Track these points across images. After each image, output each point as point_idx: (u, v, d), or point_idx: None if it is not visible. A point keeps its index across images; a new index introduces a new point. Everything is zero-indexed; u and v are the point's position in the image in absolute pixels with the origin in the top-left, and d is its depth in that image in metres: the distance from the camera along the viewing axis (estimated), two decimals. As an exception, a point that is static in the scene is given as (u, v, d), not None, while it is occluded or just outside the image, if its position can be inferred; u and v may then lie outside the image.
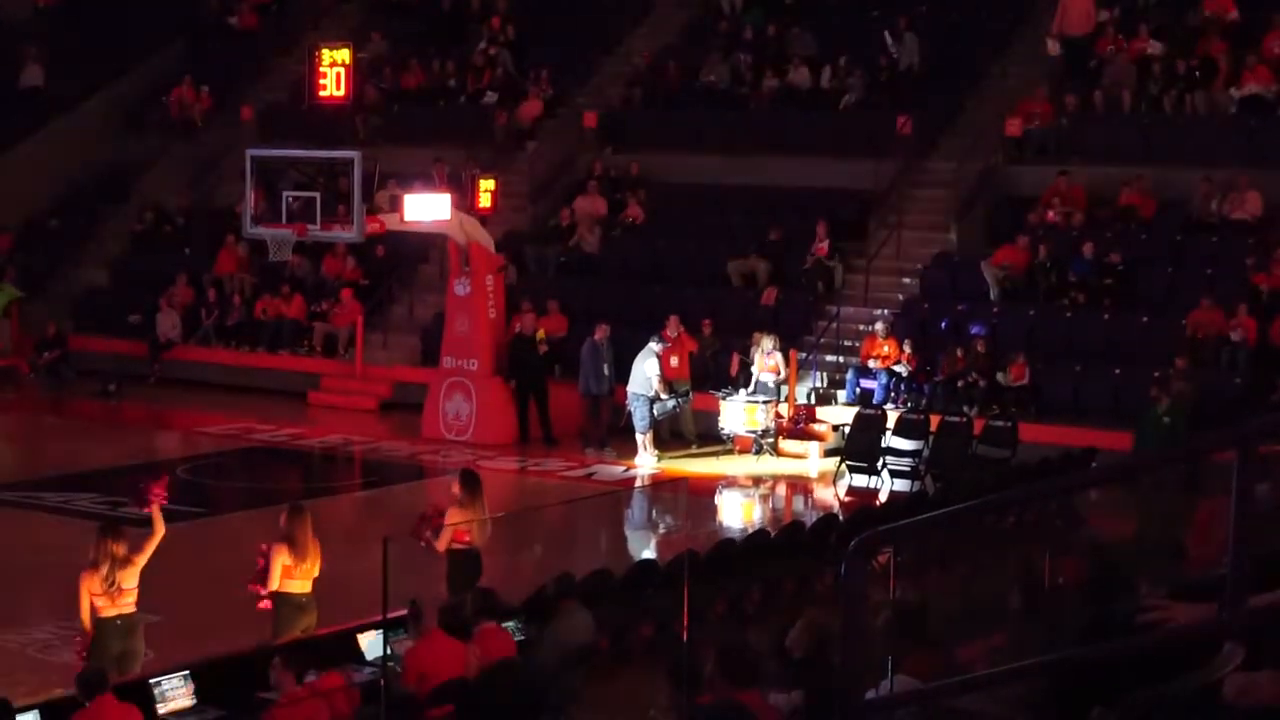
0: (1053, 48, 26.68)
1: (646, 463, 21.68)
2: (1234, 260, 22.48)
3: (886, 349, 22.57)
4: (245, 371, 26.99)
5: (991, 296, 23.39)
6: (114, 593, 11.52)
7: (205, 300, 28.10)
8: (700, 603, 12.59)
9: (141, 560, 11.72)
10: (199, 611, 14.46)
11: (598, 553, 17.73)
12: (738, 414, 22.15)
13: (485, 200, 23.68)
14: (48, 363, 27.44)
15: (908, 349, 22.43)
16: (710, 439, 22.50)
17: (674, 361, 22.36)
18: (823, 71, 27.96)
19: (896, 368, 22.35)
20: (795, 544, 15.88)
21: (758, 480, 21.41)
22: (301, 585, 12.38)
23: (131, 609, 11.64)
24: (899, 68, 27.33)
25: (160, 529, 11.97)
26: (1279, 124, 24.24)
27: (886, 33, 27.41)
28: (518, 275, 25.65)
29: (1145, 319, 22.22)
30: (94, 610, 11.55)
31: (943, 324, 23.12)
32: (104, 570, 11.48)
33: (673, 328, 22.71)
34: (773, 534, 16.47)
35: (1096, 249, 23.04)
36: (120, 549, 11.58)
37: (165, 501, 12.26)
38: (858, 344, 23.22)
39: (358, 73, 24.38)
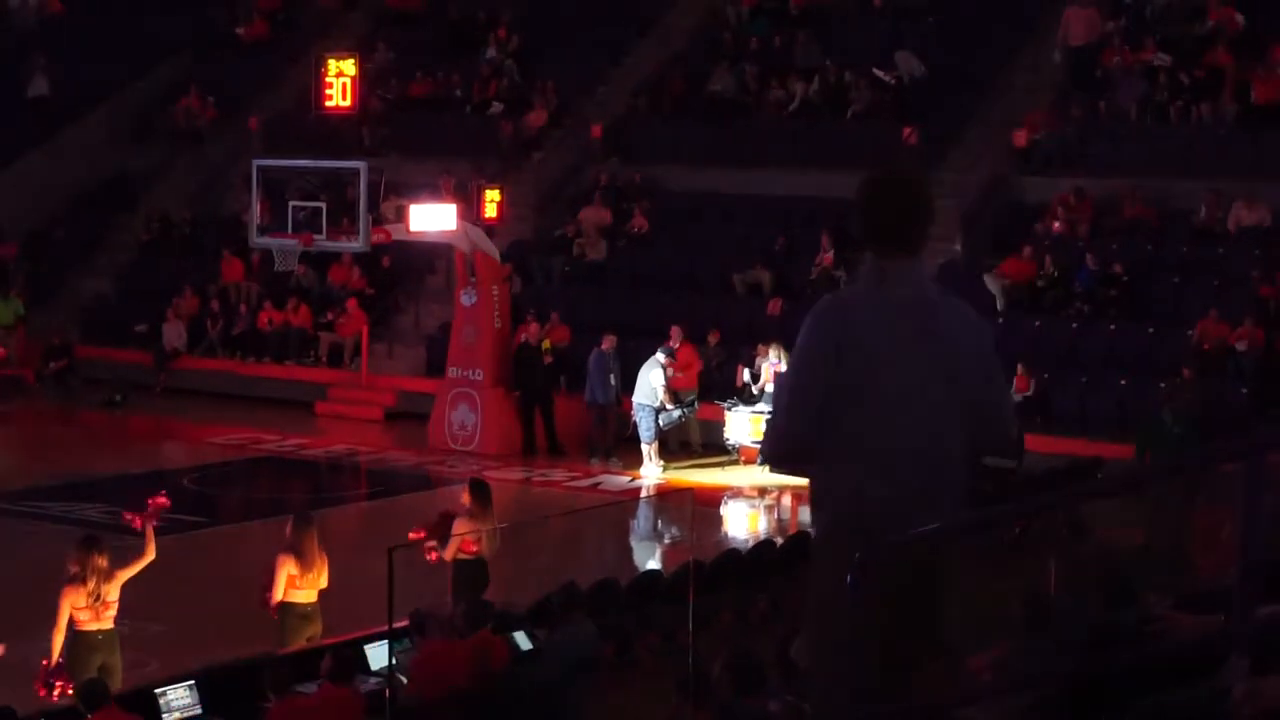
0: (1057, 58, 26.71)
1: (652, 473, 21.68)
2: (1240, 271, 22.46)
3: (892, 359, 22.53)
4: (251, 381, 27.00)
5: (998, 307, 23.38)
6: (99, 606, 11.49)
7: (211, 310, 28.11)
8: (705, 613, 12.58)
9: (124, 576, 11.68)
10: (204, 621, 14.45)
11: (603, 563, 17.70)
12: (743, 424, 22.13)
13: (491, 210, 23.71)
14: (54, 372, 27.45)
15: (913, 359, 22.39)
16: (716, 449, 22.49)
17: (670, 372, 22.38)
18: (828, 82, 27.97)
19: (902, 378, 22.30)
20: (800, 555, 15.85)
21: (763, 491, 21.38)
22: (307, 595, 12.39)
23: (111, 624, 11.62)
24: (900, 85, 27.29)
25: (151, 553, 11.92)
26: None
27: (874, 70, 27.40)
28: (523, 285, 25.67)
29: (1151, 329, 22.20)
30: (75, 624, 11.50)
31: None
32: (90, 584, 11.45)
33: (675, 338, 22.71)
34: (778, 544, 16.46)
35: (1101, 260, 23.04)
36: (103, 561, 11.54)
37: (160, 522, 12.18)
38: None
39: (364, 83, 24.42)
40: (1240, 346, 21.05)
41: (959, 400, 4.93)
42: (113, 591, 11.57)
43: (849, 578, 4.83)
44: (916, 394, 4.90)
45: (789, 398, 5.05)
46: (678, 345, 22.71)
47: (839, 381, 4.88)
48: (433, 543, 13.45)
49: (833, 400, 4.90)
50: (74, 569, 11.54)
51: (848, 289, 5.19)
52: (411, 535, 13.56)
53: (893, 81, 27.27)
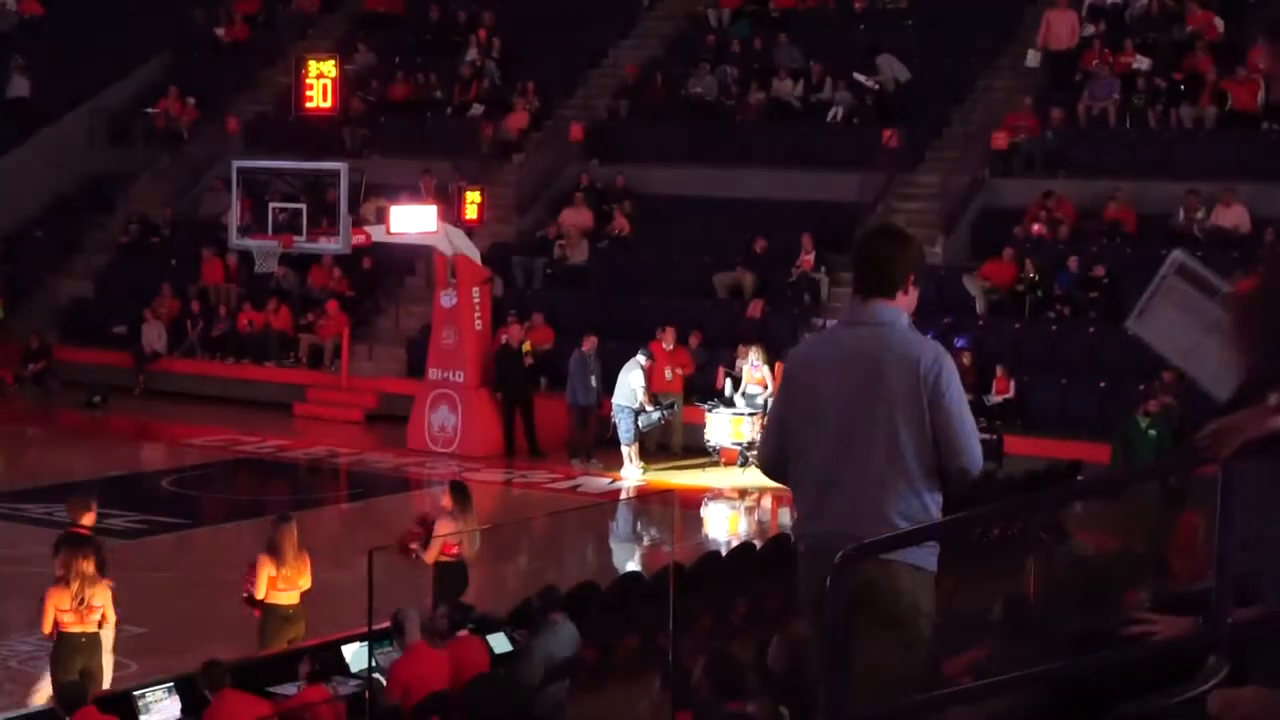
0: (1032, 60, 26.78)
1: (632, 475, 21.68)
2: (1219, 273, 22.48)
3: (872, 362, 22.55)
4: (231, 383, 26.93)
5: (977, 309, 23.44)
6: (83, 610, 11.48)
7: (191, 311, 28.05)
8: (685, 615, 12.59)
9: (106, 591, 11.65)
10: (183, 623, 14.42)
11: (583, 565, 17.72)
12: (724, 426, 22.14)
13: (472, 212, 23.71)
14: (32, 374, 27.36)
15: (893, 362, 22.42)
16: (696, 451, 22.50)
17: (668, 375, 22.40)
18: (810, 84, 28.01)
19: (882, 380, 22.33)
20: (781, 557, 15.87)
21: (743, 493, 21.40)
22: (289, 596, 12.38)
23: (94, 628, 11.59)
24: (883, 91, 27.30)
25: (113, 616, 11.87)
26: (1263, 137, 24.34)
27: (856, 75, 27.43)
28: (504, 287, 25.65)
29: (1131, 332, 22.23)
30: (59, 625, 11.50)
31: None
32: (74, 587, 11.44)
33: (668, 340, 22.72)
34: (758, 547, 16.47)
35: (1081, 262, 23.10)
36: (88, 565, 11.52)
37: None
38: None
39: (344, 84, 24.38)
40: (1219, 349, 21.08)
41: (909, 438, 5.23)
42: (98, 596, 11.55)
43: (828, 577, 4.84)
44: (857, 430, 5.26)
45: (764, 432, 5.80)
46: (671, 347, 22.72)
47: (796, 417, 5.41)
48: (415, 544, 13.43)
49: (793, 433, 5.40)
50: (59, 572, 11.54)
51: (820, 331, 5.85)
52: (412, 544, 13.47)
53: (875, 86, 27.28)
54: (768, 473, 5.69)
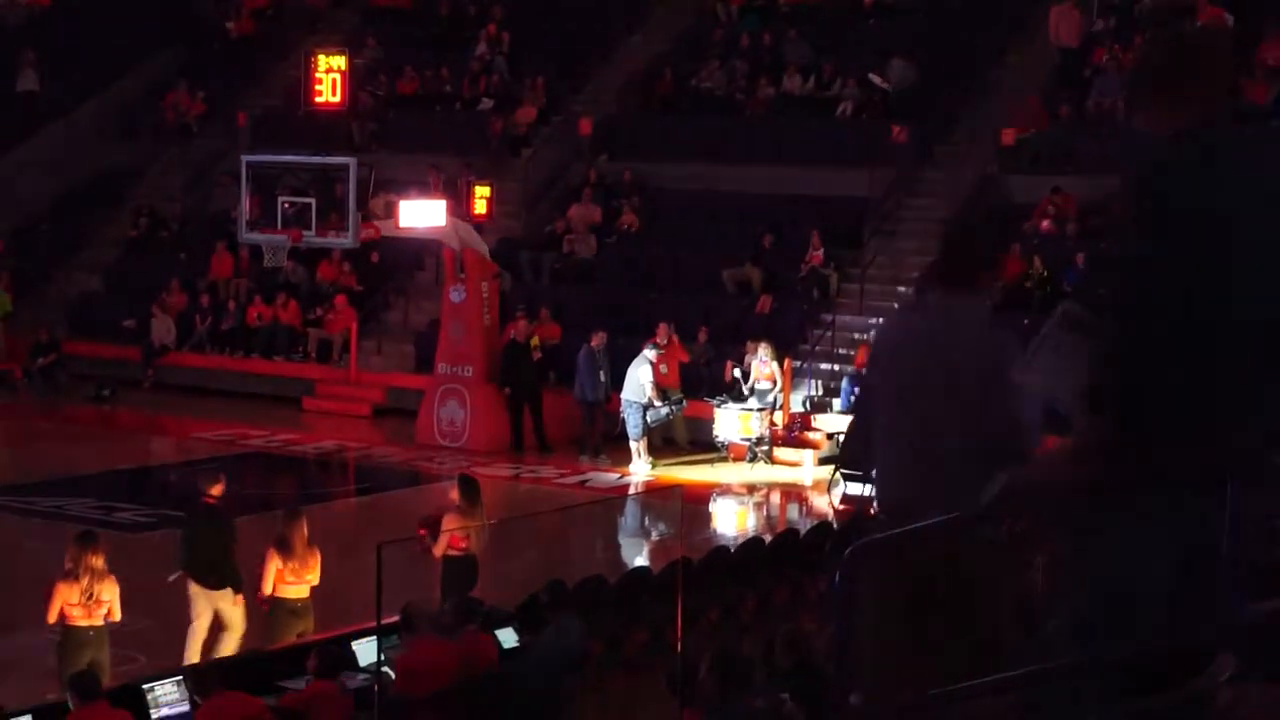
0: (1054, 57, 26.76)
1: (640, 470, 21.69)
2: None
3: (881, 357, 22.55)
4: (239, 377, 26.98)
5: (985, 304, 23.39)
6: (91, 605, 11.49)
7: (199, 306, 28.08)
8: (694, 611, 12.59)
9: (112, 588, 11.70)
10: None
11: (591, 560, 17.72)
12: (732, 421, 22.15)
13: (480, 207, 23.70)
14: (42, 368, 27.41)
15: (902, 357, 22.41)
16: (705, 446, 22.51)
17: (664, 369, 22.38)
18: (820, 80, 27.99)
19: (891, 376, 22.33)
20: (789, 552, 15.87)
21: (752, 488, 21.40)
22: (297, 590, 12.39)
23: (102, 621, 11.61)
24: (891, 93, 27.28)
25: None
26: (1270, 133, 24.27)
27: (871, 75, 27.42)
28: (513, 282, 25.66)
29: (1139, 328, 22.20)
30: (66, 619, 11.51)
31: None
32: (83, 582, 11.45)
33: (662, 335, 22.72)
34: (767, 542, 16.47)
35: (1089, 258, 23.07)
36: (98, 560, 11.54)
37: None
38: (852, 352, 23.23)
39: (353, 79, 24.39)
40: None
41: (974, 417, 5.50)
42: (106, 591, 11.56)
43: (837, 572, 4.86)
44: (928, 408, 5.51)
45: (856, 401, 6.01)
46: (665, 342, 22.72)
47: (879, 391, 5.76)
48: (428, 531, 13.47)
49: (878, 406, 5.72)
50: (67, 565, 11.55)
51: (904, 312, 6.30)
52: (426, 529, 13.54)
53: (888, 88, 27.22)
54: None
